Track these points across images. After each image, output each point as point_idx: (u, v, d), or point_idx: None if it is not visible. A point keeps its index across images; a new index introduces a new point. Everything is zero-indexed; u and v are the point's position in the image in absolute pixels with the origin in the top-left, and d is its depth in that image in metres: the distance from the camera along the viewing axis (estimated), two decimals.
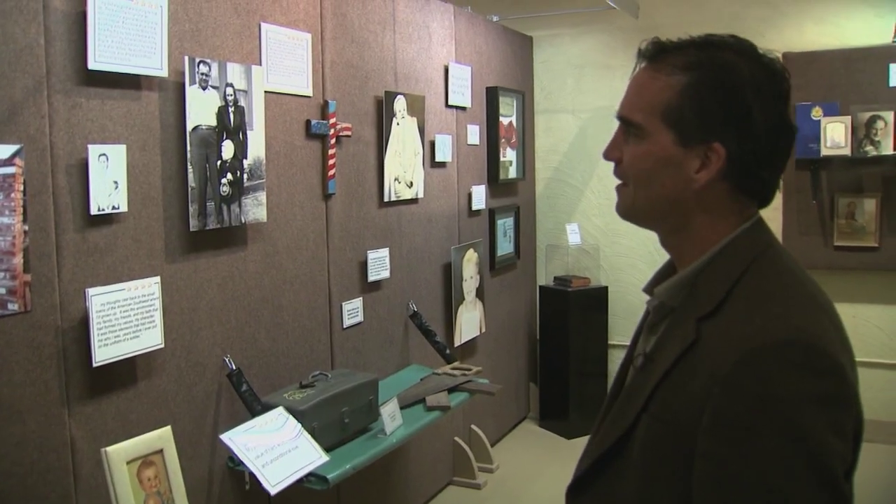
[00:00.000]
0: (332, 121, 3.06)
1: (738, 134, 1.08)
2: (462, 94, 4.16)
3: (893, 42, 4.36)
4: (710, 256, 1.13)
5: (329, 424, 2.64)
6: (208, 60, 2.43)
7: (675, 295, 1.16)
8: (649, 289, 1.25)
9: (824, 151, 4.37)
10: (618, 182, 1.22)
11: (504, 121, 4.65)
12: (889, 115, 4.29)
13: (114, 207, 2.14)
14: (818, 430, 0.95)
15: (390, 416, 2.85)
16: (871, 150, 4.33)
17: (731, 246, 1.12)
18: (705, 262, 1.13)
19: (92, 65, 2.06)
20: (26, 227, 1.92)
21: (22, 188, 1.91)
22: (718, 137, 1.09)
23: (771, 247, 1.13)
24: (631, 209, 1.20)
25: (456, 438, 4.17)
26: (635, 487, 1.11)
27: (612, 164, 1.22)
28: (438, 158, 3.92)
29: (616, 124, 1.21)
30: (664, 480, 1.07)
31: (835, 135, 4.35)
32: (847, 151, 4.35)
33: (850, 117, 4.34)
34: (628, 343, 1.34)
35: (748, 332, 1.00)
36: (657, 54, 1.15)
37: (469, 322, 4.23)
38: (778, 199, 4.56)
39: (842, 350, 1.02)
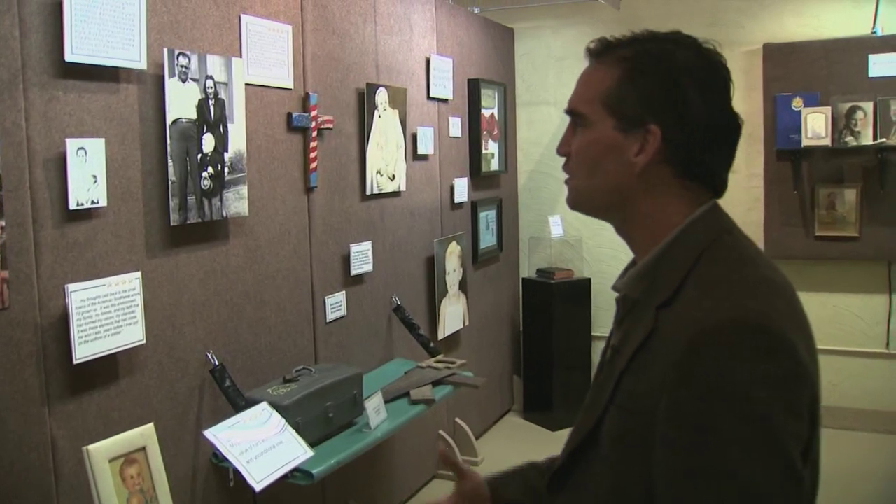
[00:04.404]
0: (314, 113, 3.03)
1: (675, 117, 1.11)
2: (444, 86, 4.14)
3: (872, 33, 4.39)
4: (665, 245, 1.14)
5: (313, 419, 2.62)
6: (188, 52, 2.39)
7: (636, 286, 1.17)
8: (616, 284, 1.25)
9: (805, 142, 4.39)
10: (566, 177, 1.24)
11: (486, 113, 4.64)
12: (868, 106, 4.32)
13: (93, 202, 2.11)
14: (769, 410, 0.95)
15: (375, 410, 2.84)
16: (851, 141, 4.36)
17: (686, 233, 1.13)
18: (661, 250, 1.14)
19: (69, 57, 2.02)
20: (3, 223, 1.89)
21: None
22: (655, 120, 1.11)
23: (728, 232, 1.13)
24: (579, 200, 1.22)
25: (440, 432, 4.16)
26: (605, 479, 1.12)
27: None
28: (420, 151, 3.90)
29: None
30: (631, 470, 1.07)
31: (815, 125, 4.37)
32: (827, 142, 4.37)
33: (830, 108, 4.37)
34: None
35: (697, 316, 1.00)
36: (603, 51, 1.19)
37: (452, 315, 4.21)
38: (760, 189, 4.65)
39: (794, 329, 1.02)
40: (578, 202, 1.23)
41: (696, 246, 1.11)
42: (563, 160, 1.22)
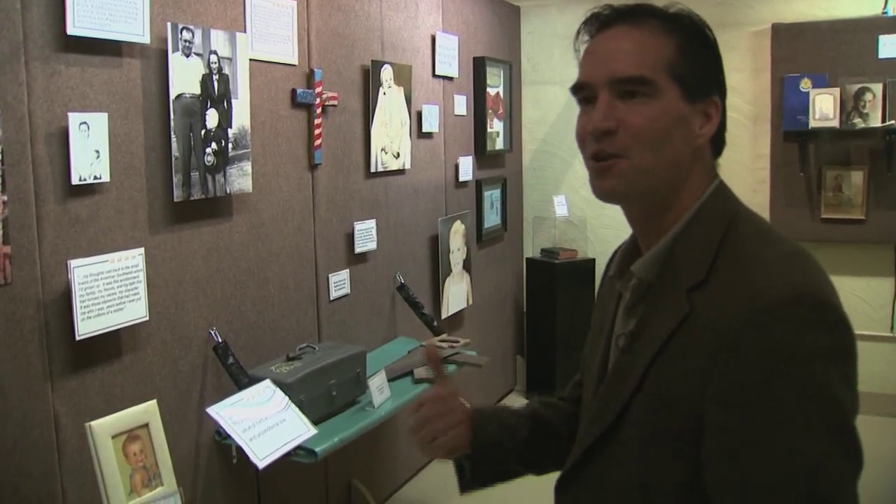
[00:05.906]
0: (318, 90, 3.00)
1: (722, 88, 1.13)
2: (449, 64, 4.10)
3: (883, 13, 4.34)
4: (683, 224, 1.09)
5: (317, 397, 2.62)
6: (192, 27, 2.37)
7: (651, 269, 1.10)
8: (619, 272, 1.19)
9: (813, 123, 4.35)
10: (603, 161, 1.08)
11: (491, 91, 4.60)
12: (878, 88, 4.27)
13: (95, 177, 2.09)
14: (832, 385, 0.93)
15: (378, 388, 2.83)
16: (859, 123, 4.32)
17: (704, 211, 1.09)
18: (679, 230, 1.09)
19: (71, 30, 2.00)
20: (5, 198, 1.87)
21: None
22: (715, 92, 1.11)
23: (742, 207, 1.11)
24: (637, 182, 1.07)
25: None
26: (632, 470, 1.08)
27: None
28: (425, 129, 3.87)
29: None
30: (665, 459, 1.04)
31: (823, 107, 4.33)
32: (835, 123, 4.33)
33: (838, 89, 4.32)
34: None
35: (751, 294, 0.96)
36: (629, 16, 1.12)
37: (456, 294, 4.20)
38: (766, 171, 4.62)
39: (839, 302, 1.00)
40: (634, 186, 1.08)
41: (719, 223, 1.07)
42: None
